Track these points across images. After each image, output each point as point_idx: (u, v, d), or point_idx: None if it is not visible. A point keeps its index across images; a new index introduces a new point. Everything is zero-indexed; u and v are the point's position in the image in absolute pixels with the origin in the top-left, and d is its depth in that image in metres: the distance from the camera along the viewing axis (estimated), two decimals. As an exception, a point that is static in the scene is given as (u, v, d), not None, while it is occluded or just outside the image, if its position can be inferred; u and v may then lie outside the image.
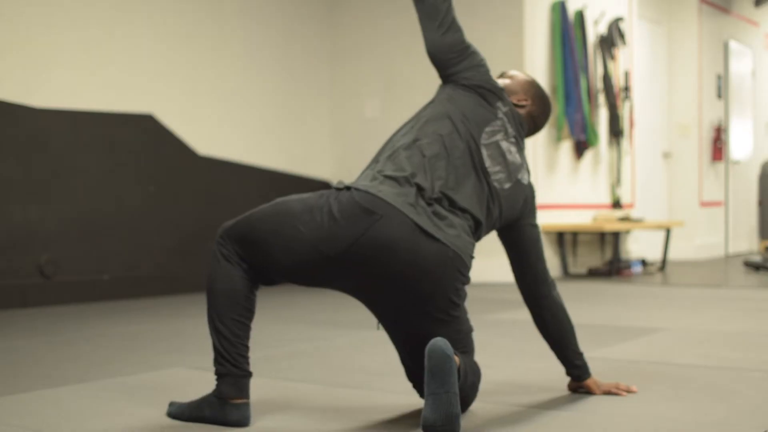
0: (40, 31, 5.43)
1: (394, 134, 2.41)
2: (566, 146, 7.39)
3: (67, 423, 2.32)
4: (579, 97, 7.25)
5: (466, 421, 2.30)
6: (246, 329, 2.27)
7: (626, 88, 8.11)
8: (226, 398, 2.24)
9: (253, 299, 2.29)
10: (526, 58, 6.88)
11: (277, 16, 7.07)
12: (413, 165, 2.30)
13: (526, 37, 6.90)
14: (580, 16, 7.44)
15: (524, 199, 2.48)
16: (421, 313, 2.23)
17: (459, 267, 2.22)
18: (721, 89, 9.95)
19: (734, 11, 10.34)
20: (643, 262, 7.79)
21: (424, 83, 7.29)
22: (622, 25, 7.96)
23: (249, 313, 2.28)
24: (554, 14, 7.21)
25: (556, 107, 7.20)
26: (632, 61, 8.36)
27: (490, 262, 6.71)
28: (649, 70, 9.10)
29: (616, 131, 7.87)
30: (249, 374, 2.27)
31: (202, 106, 6.41)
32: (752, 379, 2.86)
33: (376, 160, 2.39)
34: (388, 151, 2.37)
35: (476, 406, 2.48)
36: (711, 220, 9.80)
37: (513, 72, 2.65)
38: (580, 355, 2.59)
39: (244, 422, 2.25)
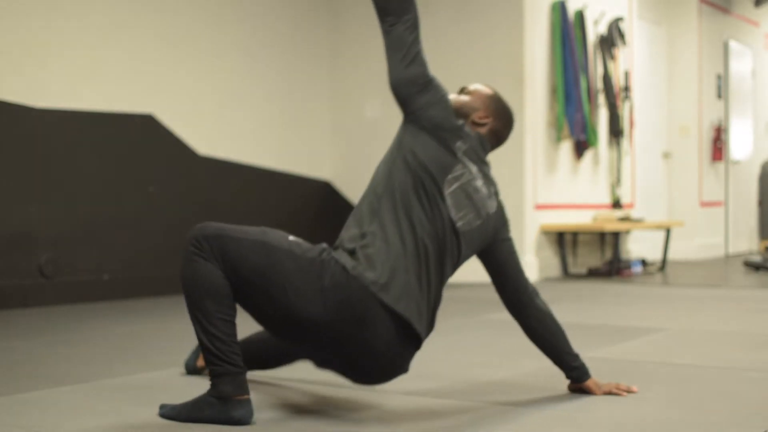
0: (40, 31, 5.43)
1: (371, 183, 2.39)
2: (566, 146, 7.39)
3: (66, 423, 2.32)
4: (579, 97, 7.25)
5: (465, 421, 2.30)
6: (234, 327, 2.27)
7: (626, 88, 8.11)
8: (227, 396, 2.24)
9: (231, 294, 2.27)
10: (526, 58, 6.88)
11: (278, 16, 7.07)
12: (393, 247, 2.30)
13: (526, 37, 6.90)
14: (580, 16, 7.44)
15: (498, 222, 2.50)
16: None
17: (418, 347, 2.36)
18: (721, 89, 9.95)
19: (734, 11, 10.34)
20: (643, 262, 7.79)
21: (424, 83, 7.30)
22: (622, 25, 7.96)
23: (233, 310, 2.28)
24: (554, 14, 7.21)
25: (556, 107, 7.20)
26: (632, 61, 8.36)
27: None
28: (649, 70, 9.10)
29: (616, 131, 7.87)
30: (245, 371, 2.27)
31: (202, 106, 6.41)
32: (752, 379, 2.86)
33: (358, 215, 2.36)
34: (367, 216, 2.34)
35: (475, 405, 2.48)
36: (711, 220, 9.80)
37: (473, 87, 2.58)
38: (575, 357, 2.59)
39: (248, 418, 2.24)
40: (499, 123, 2.54)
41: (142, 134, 5.97)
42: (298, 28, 7.25)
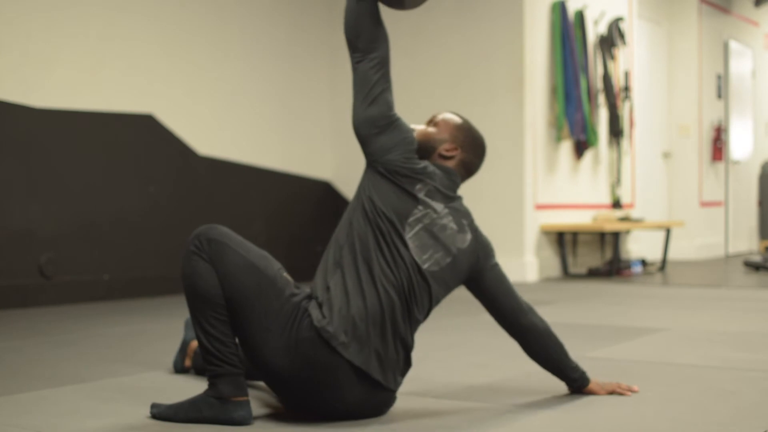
0: (40, 31, 5.43)
1: (337, 231, 2.37)
2: (566, 146, 7.39)
3: (66, 423, 2.32)
4: (579, 97, 7.25)
5: (465, 421, 2.30)
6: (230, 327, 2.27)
7: (626, 88, 8.11)
8: (227, 397, 2.24)
9: None
10: (526, 58, 6.88)
11: (278, 16, 7.07)
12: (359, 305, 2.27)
13: (526, 37, 6.90)
14: (580, 16, 7.44)
15: (472, 256, 2.43)
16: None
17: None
18: (721, 89, 9.95)
19: (734, 11, 10.34)
20: (643, 262, 7.79)
21: (424, 83, 7.31)
22: (622, 25, 7.96)
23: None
24: (554, 14, 7.21)
25: (556, 107, 7.20)
26: (632, 61, 8.37)
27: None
28: (649, 70, 9.11)
29: (616, 131, 7.87)
30: (243, 372, 2.27)
31: (202, 106, 6.41)
32: (752, 379, 2.86)
33: (324, 265, 2.33)
34: (331, 268, 2.31)
35: (475, 406, 2.48)
36: (711, 220, 9.80)
37: (441, 117, 2.49)
38: (575, 368, 2.58)
39: (247, 418, 2.24)
40: (467, 154, 2.47)
41: (142, 134, 5.97)
42: (298, 28, 7.25)
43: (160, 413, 2.31)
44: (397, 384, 2.33)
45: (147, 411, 2.38)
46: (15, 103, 5.29)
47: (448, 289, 2.42)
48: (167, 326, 4.46)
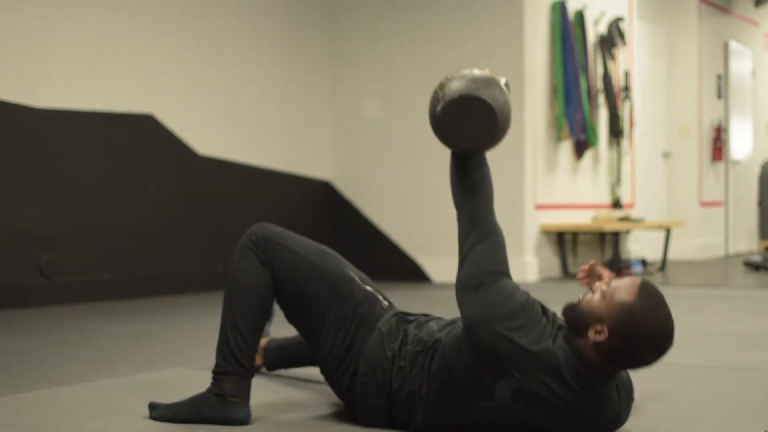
0: (40, 31, 5.43)
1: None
2: (566, 146, 7.39)
3: (66, 423, 2.32)
4: (579, 97, 7.25)
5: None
6: (261, 331, 2.28)
7: (626, 88, 8.11)
8: (228, 397, 2.23)
9: (272, 301, 2.30)
10: (526, 58, 6.88)
11: (277, 16, 7.07)
12: None
13: (526, 37, 6.90)
14: (580, 16, 7.44)
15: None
16: None
17: None
18: (721, 89, 9.95)
19: (734, 11, 10.34)
20: (643, 262, 7.79)
21: (424, 83, 7.29)
22: (622, 25, 7.96)
23: (267, 316, 2.30)
24: (554, 14, 7.21)
25: (556, 107, 7.20)
26: (632, 61, 8.36)
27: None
28: (649, 70, 9.10)
29: (616, 131, 7.87)
30: (252, 375, 2.27)
31: (202, 106, 6.41)
32: (752, 379, 2.86)
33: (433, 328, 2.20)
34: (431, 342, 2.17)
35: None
36: (711, 220, 9.79)
37: (613, 285, 2.04)
38: None
39: (247, 420, 2.24)
40: (619, 344, 1.95)
41: (142, 134, 5.97)
42: (298, 28, 7.25)
43: (159, 415, 2.30)
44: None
45: (147, 411, 2.38)
46: (15, 103, 5.29)
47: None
48: (167, 326, 4.46)
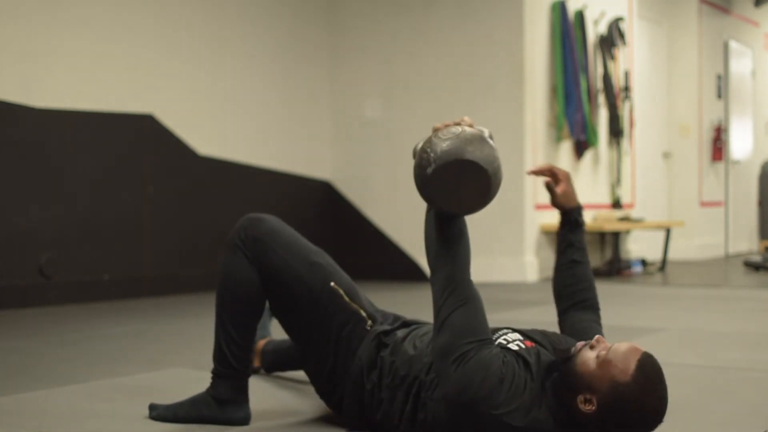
0: (40, 31, 5.43)
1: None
2: (566, 146, 7.39)
3: (66, 423, 2.32)
4: (579, 97, 7.25)
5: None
6: (254, 331, 2.27)
7: (626, 88, 8.11)
8: (226, 399, 2.23)
9: (264, 300, 2.27)
10: (526, 58, 6.88)
11: (278, 16, 7.07)
12: None
13: (526, 37, 6.90)
14: (580, 16, 7.44)
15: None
16: None
17: None
18: (721, 89, 9.95)
19: (734, 11, 10.34)
20: (643, 262, 7.79)
21: (424, 83, 7.30)
22: (622, 25, 7.96)
23: (259, 317, 2.27)
24: (554, 14, 7.21)
25: (556, 107, 7.20)
26: (632, 61, 8.36)
27: (490, 262, 6.72)
28: (649, 70, 9.10)
29: (616, 131, 7.87)
30: (248, 376, 2.27)
31: (202, 106, 6.41)
32: (752, 379, 2.86)
33: (422, 344, 2.16)
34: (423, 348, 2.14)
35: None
36: (711, 220, 9.79)
37: (612, 350, 1.95)
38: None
39: (247, 420, 2.25)
40: (607, 416, 1.85)
41: (142, 134, 5.97)
42: (298, 27, 7.25)
43: (159, 415, 2.30)
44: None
45: (146, 411, 2.38)
46: (15, 103, 5.29)
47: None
48: (167, 326, 4.46)
